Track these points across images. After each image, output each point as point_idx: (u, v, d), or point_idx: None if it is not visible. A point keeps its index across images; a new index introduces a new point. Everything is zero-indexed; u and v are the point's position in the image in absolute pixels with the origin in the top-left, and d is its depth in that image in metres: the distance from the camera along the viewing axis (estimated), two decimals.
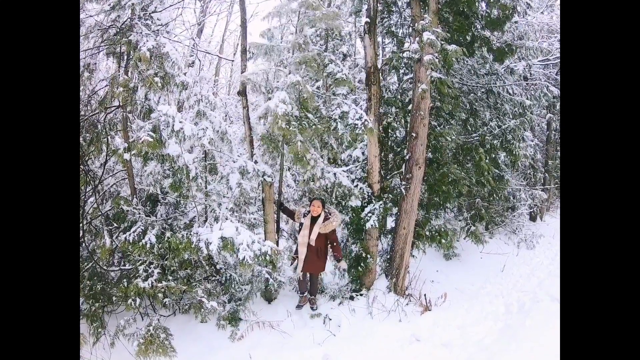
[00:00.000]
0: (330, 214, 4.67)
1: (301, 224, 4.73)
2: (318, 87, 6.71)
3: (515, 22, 7.15)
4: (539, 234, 9.53)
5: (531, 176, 11.71)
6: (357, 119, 4.54)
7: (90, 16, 4.12)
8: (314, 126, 4.33)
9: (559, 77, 11.20)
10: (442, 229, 5.91)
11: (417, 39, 4.70)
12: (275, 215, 4.98)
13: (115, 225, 4.29)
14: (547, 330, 3.92)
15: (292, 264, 5.00)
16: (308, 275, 4.89)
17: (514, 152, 6.87)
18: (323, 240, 4.64)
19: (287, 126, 4.02)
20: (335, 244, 4.72)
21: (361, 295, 5.05)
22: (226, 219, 3.98)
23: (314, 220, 4.62)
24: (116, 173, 4.88)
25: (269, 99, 4.25)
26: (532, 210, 10.90)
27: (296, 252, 4.79)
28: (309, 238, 4.58)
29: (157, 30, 4.18)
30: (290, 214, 4.93)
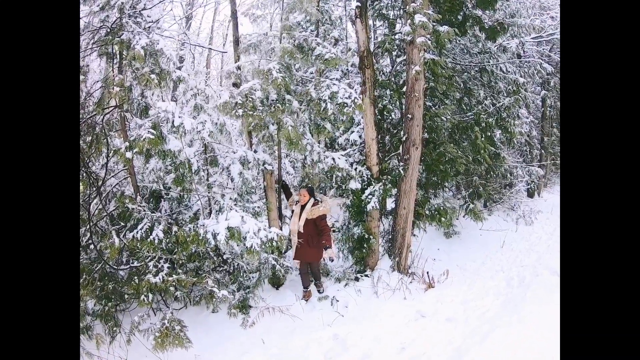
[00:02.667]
0: (320, 201, 4.71)
1: (293, 212, 4.81)
2: (311, 72, 6.72)
3: None
4: (536, 210, 9.67)
5: (527, 153, 11.80)
6: (347, 98, 4.57)
7: (80, 18, 4.08)
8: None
9: (552, 54, 11.21)
10: (442, 208, 6.01)
11: (409, 21, 4.70)
12: (278, 202, 5.04)
13: (121, 224, 4.33)
14: (547, 302, 4.05)
15: (285, 250, 5.01)
16: (308, 266, 4.86)
17: (510, 130, 6.93)
18: (313, 228, 4.63)
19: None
20: (324, 230, 4.64)
21: (366, 276, 5.17)
22: (231, 209, 4.03)
23: (303, 208, 4.68)
24: (118, 173, 4.90)
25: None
26: (529, 186, 11.02)
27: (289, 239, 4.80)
28: (298, 225, 4.63)
29: (149, 27, 4.16)
30: (288, 196, 5.05)
